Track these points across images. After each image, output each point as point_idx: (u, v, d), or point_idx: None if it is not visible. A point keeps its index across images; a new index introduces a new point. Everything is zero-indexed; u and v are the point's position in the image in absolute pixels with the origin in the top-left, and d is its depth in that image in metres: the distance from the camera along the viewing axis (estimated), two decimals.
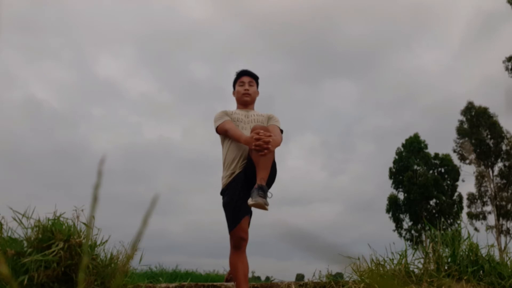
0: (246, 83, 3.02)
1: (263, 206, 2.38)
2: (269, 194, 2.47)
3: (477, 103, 24.83)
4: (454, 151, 24.88)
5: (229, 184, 2.70)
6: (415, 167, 24.77)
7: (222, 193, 2.77)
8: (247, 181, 2.64)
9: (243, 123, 2.87)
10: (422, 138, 25.91)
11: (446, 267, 2.75)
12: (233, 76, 3.10)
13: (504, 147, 23.81)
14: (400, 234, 24.57)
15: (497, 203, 23.26)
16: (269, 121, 2.96)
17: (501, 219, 23.20)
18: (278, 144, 2.57)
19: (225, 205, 2.68)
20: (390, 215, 24.83)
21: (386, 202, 24.98)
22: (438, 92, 41.67)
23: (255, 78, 3.07)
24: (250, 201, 2.41)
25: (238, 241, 2.61)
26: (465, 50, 44.00)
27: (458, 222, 3.06)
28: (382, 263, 2.90)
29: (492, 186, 23.95)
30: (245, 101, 3.00)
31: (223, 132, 2.81)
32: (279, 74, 54.25)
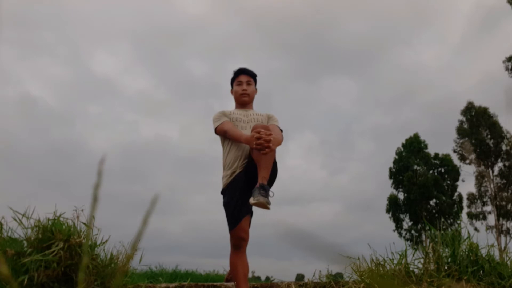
0: (244, 82, 2.98)
1: (265, 205, 2.37)
2: (270, 193, 2.46)
3: (477, 100, 24.96)
4: (454, 151, 24.90)
5: (230, 184, 2.70)
6: (415, 167, 24.77)
7: (222, 192, 2.76)
8: (248, 180, 2.64)
9: (243, 122, 2.86)
10: (422, 138, 25.94)
11: (446, 267, 2.75)
12: (231, 74, 3.07)
13: (504, 147, 23.80)
14: (400, 234, 24.59)
15: (497, 203, 23.25)
16: (268, 121, 2.95)
17: (501, 219, 23.19)
18: (279, 143, 2.57)
19: (226, 205, 2.67)
20: (390, 215, 24.83)
21: (386, 202, 25.00)
22: (438, 89, 41.68)
23: (253, 76, 3.03)
24: (252, 200, 2.40)
25: (239, 241, 2.60)
26: (465, 46, 44.02)
27: (458, 222, 3.06)
28: (382, 263, 2.90)
29: (492, 186, 23.94)
30: (244, 101, 2.97)
31: (223, 133, 2.80)
32: (277, 71, 54.14)
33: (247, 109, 2.98)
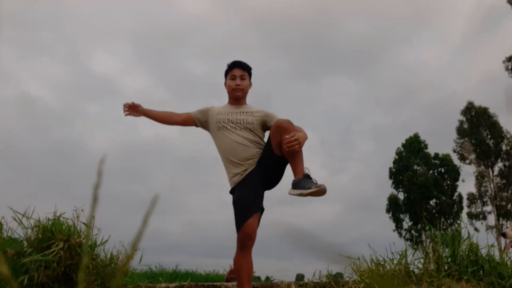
0: (237, 77, 2.91)
1: (324, 191, 2.42)
2: (314, 180, 2.50)
3: (478, 99, 24.99)
4: (454, 151, 24.90)
5: (241, 181, 2.68)
6: (415, 167, 24.77)
7: (232, 190, 2.74)
8: (259, 179, 2.65)
9: (231, 123, 2.79)
10: (422, 138, 25.96)
11: (446, 267, 2.75)
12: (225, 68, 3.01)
13: (504, 147, 23.82)
14: (400, 234, 24.60)
15: (497, 203, 23.27)
16: (268, 119, 2.89)
17: (501, 219, 23.20)
18: (306, 138, 2.59)
19: (236, 202, 2.65)
20: (390, 215, 24.84)
21: (386, 202, 25.01)
22: (439, 89, 41.62)
23: (247, 70, 2.97)
24: (311, 189, 2.41)
25: (246, 240, 2.58)
26: (465, 46, 43.92)
27: (458, 222, 3.06)
28: (382, 263, 2.90)
29: (492, 186, 23.95)
30: (237, 96, 2.92)
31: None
32: (277, 71, 53.96)
33: (239, 106, 2.92)
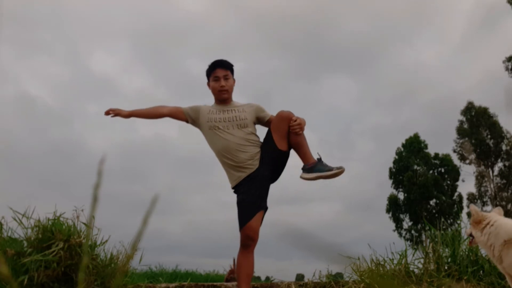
0: (221, 78, 2.86)
1: (343, 171, 2.62)
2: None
3: (477, 100, 24.93)
4: (454, 151, 24.92)
5: (246, 182, 2.69)
6: (415, 167, 24.78)
7: (236, 190, 2.75)
8: (265, 177, 2.67)
9: (223, 121, 2.79)
10: (422, 138, 25.98)
11: (446, 267, 2.75)
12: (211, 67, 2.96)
13: (504, 147, 23.83)
14: (400, 234, 24.61)
15: (497, 203, 23.27)
16: (262, 114, 2.89)
17: None
18: (305, 123, 2.75)
19: (240, 203, 2.66)
20: (390, 215, 24.86)
21: (386, 202, 25.02)
22: (439, 89, 41.51)
23: (230, 68, 2.93)
24: (332, 170, 2.58)
25: (247, 241, 2.60)
26: (465, 46, 43.82)
27: (458, 222, 3.06)
28: (382, 263, 2.91)
29: (492, 186, 23.96)
30: (223, 98, 2.89)
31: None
32: (277, 71, 53.83)
33: (226, 104, 2.90)
